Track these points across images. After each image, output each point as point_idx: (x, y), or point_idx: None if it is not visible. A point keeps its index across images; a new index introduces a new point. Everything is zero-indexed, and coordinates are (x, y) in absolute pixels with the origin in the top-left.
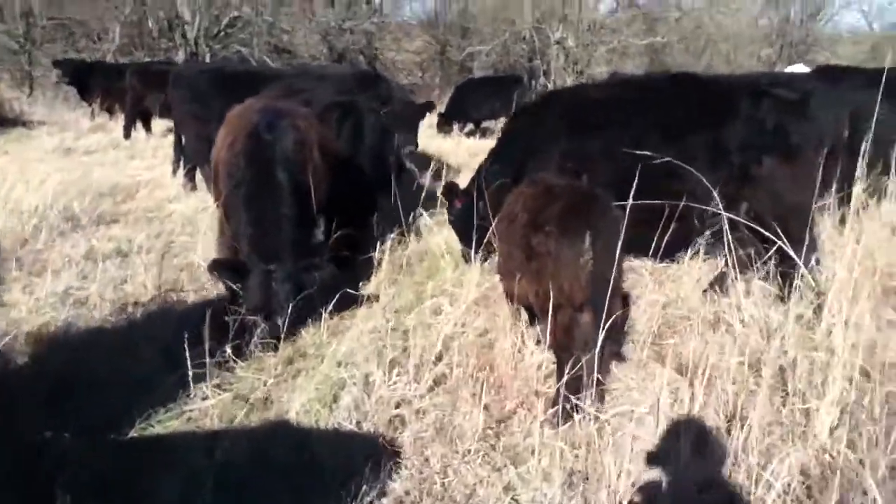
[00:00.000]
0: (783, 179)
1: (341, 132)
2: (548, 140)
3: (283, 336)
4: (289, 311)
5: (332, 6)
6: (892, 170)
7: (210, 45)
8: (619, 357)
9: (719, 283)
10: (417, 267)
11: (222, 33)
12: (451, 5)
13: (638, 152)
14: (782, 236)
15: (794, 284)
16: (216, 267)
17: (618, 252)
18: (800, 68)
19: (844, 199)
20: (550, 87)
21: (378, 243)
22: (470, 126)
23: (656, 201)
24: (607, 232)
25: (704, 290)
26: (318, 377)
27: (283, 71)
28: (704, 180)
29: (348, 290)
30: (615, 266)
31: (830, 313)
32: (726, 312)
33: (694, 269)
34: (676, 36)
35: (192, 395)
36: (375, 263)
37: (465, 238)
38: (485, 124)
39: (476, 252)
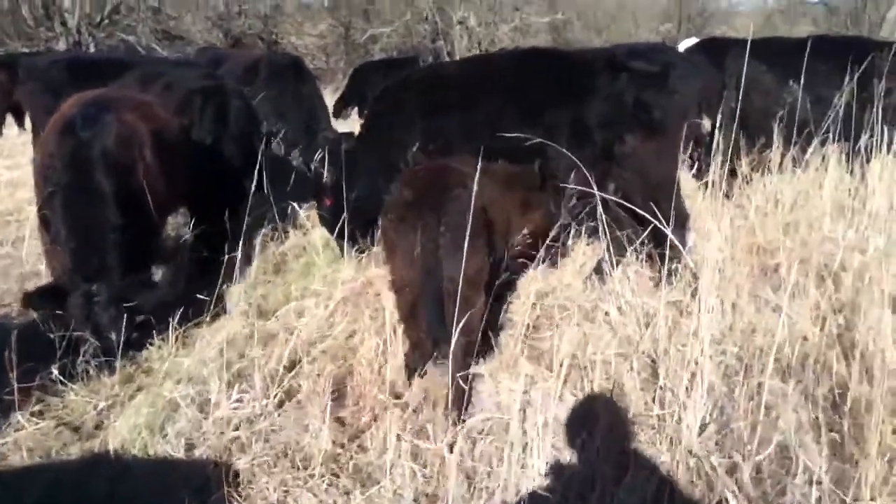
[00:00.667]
0: (647, 156)
1: (203, 119)
2: (406, 123)
3: (119, 353)
4: (122, 327)
5: None
6: (776, 142)
7: (93, 34)
8: (484, 355)
9: (599, 269)
10: (294, 264)
11: (106, 20)
12: None
13: (497, 133)
14: (656, 215)
15: (667, 267)
16: (30, 301)
17: (465, 241)
18: (692, 42)
19: (727, 174)
20: None
21: (251, 240)
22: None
23: None
24: (452, 221)
25: (586, 278)
26: (150, 398)
27: (149, 59)
28: (573, 157)
29: (206, 294)
30: (464, 256)
31: (704, 297)
32: (604, 301)
33: (577, 254)
34: (575, 12)
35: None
36: (244, 262)
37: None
38: None
39: (350, 245)
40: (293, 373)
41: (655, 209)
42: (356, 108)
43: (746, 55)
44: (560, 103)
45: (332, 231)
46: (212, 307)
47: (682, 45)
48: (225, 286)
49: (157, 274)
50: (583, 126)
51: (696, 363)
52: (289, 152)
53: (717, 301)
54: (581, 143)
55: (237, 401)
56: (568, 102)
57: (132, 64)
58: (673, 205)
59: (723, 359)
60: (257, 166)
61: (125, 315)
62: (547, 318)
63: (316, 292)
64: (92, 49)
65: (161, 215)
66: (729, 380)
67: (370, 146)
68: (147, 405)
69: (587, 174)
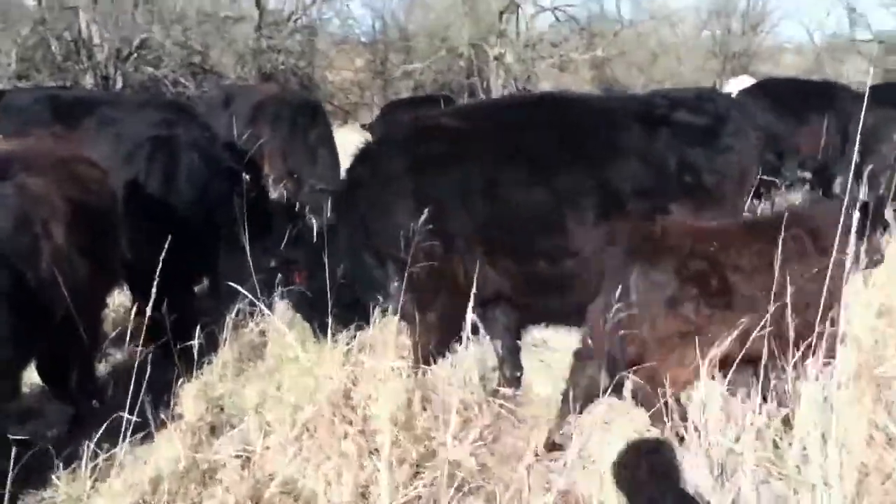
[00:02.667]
0: None
1: (151, 175)
2: (394, 186)
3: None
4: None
5: (259, 28)
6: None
7: (120, 68)
8: None
9: None
10: (267, 352)
11: (133, 55)
12: (389, 24)
13: (500, 199)
14: None
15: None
16: None
17: None
18: (744, 81)
19: None
20: None
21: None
22: None
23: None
24: None
25: None
26: None
27: (118, 99)
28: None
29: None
30: None
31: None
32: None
33: None
34: (617, 50)
35: None
36: (202, 350)
37: (319, 315)
38: None
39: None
40: None
41: None
42: None
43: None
44: (582, 163)
45: (308, 316)
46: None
47: (732, 86)
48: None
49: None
50: (612, 193)
51: None
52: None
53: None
54: (610, 214)
55: None
56: (592, 162)
57: (101, 104)
58: None
59: None
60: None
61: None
62: None
63: (282, 401)
64: (119, 84)
65: (85, 308)
66: None
67: (349, 215)
68: None
69: None
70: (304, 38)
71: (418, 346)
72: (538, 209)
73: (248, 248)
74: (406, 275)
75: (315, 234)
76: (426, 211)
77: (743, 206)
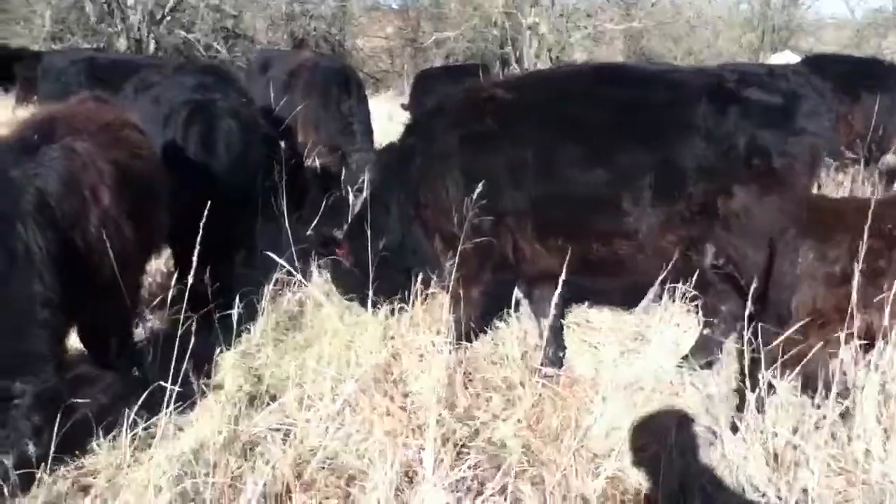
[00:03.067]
0: (762, 216)
1: (188, 141)
2: (441, 160)
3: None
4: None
5: None
6: None
7: (153, 31)
8: None
9: (701, 351)
10: (305, 322)
11: (167, 17)
12: None
13: (555, 177)
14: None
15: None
16: None
17: None
18: (787, 56)
19: None
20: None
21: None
22: None
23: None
24: None
25: (681, 361)
26: None
27: (162, 61)
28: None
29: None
30: None
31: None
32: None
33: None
34: (653, 21)
35: None
36: (240, 320)
37: (359, 287)
38: None
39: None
40: None
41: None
42: None
43: None
44: (643, 140)
45: (346, 288)
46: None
47: (774, 62)
48: (216, 352)
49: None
50: (675, 172)
51: None
52: (318, 175)
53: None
54: (671, 194)
55: None
56: (654, 139)
57: (140, 68)
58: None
59: None
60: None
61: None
62: None
63: (322, 374)
64: (152, 47)
65: (128, 274)
66: None
67: (399, 187)
68: None
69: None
70: (336, 4)
71: (461, 322)
72: (594, 187)
73: (285, 216)
74: (455, 249)
75: (351, 204)
76: (478, 186)
77: (811, 191)
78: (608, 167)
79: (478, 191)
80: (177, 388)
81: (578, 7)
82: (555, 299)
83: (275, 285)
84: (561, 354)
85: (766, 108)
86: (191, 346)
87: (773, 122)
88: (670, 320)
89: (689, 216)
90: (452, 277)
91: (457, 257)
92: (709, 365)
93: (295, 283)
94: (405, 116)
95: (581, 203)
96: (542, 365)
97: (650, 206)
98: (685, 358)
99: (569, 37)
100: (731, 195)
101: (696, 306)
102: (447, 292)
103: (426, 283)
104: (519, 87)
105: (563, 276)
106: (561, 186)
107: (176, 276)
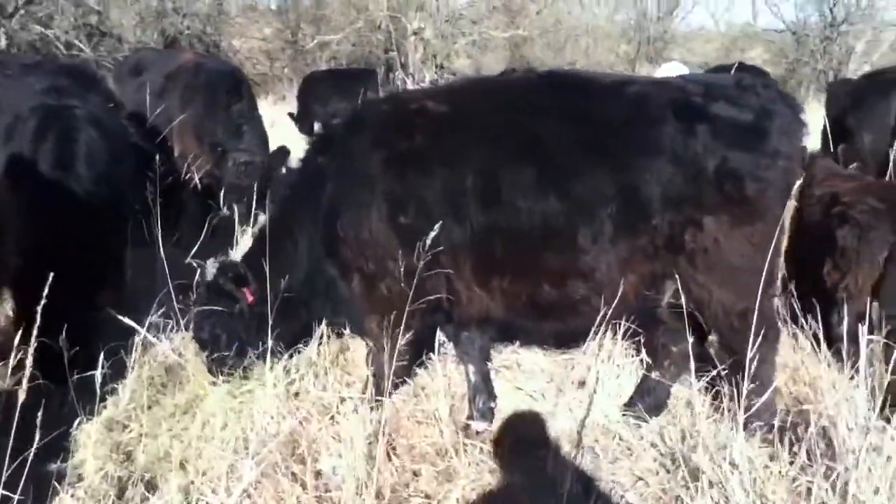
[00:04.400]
0: (733, 250)
1: (38, 155)
2: (357, 183)
3: None
4: None
5: None
6: None
7: (4, 25)
8: None
9: (646, 395)
10: (187, 373)
11: (20, 11)
12: None
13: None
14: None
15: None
16: None
17: None
18: (676, 67)
19: None
20: (408, 81)
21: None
22: (318, 126)
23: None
24: None
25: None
26: None
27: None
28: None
29: None
30: None
31: None
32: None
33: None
34: (538, 30)
35: None
36: (105, 380)
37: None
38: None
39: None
40: None
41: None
42: (318, 125)
43: None
44: (603, 163)
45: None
46: None
47: (664, 72)
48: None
49: None
50: (638, 200)
51: None
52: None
53: None
54: (634, 226)
55: None
56: (615, 162)
57: None
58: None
59: None
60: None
61: None
62: None
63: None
64: (3, 43)
65: None
66: None
67: (307, 216)
68: None
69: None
70: (211, 2)
71: (382, 375)
72: (546, 218)
73: (160, 244)
74: (378, 291)
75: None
76: (407, 217)
77: (782, 217)
78: (562, 195)
79: (406, 223)
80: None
81: (464, 14)
82: (480, 341)
83: (148, 331)
84: (492, 405)
85: (736, 127)
86: (39, 419)
87: (745, 142)
88: (609, 360)
89: (652, 252)
90: (374, 324)
91: (380, 299)
92: (657, 411)
93: (172, 328)
94: (290, 124)
95: (530, 237)
96: (470, 418)
97: (610, 240)
98: (629, 403)
99: (454, 43)
100: (700, 227)
101: (638, 345)
102: (366, 341)
103: (336, 330)
104: (454, 99)
105: (504, 320)
106: (506, 218)
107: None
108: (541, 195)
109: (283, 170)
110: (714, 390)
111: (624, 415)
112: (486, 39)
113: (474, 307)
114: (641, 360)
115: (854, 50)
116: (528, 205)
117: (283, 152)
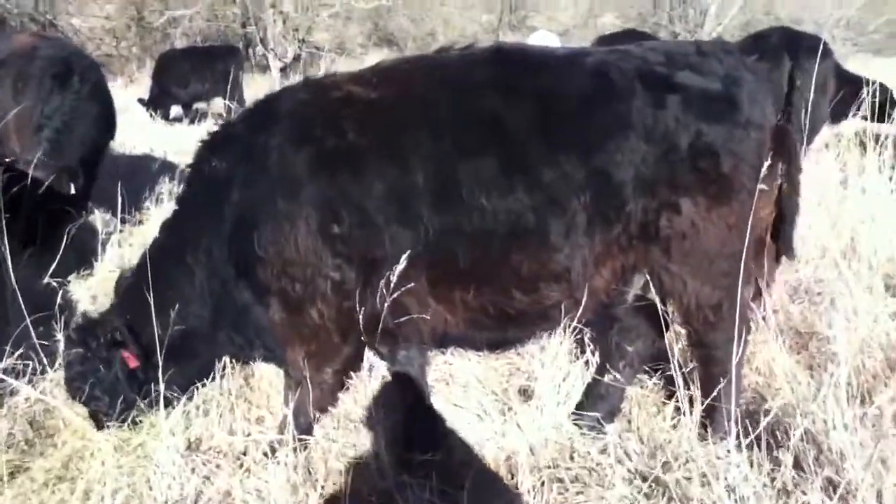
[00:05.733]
0: (711, 235)
1: None
2: (276, 189)
3: None
4: None
5: None
6: None
7: None
8: None
9: (596, 400)
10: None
11: None
12: None
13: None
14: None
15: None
16: None
17: None
18: (545, 36)
19: None
20: (270, 57)
21: None
22: (177, 110)
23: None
24: None
25: (576, 411)
26: None
27: None
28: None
29: None
30: None
31: None
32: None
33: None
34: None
35: None
36: None
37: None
38: (197, 106)
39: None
40: None
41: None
42: (177, 109)
43: None
44: (570, 146)
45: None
46: None
47: (535, 41)
48: None
49: None
50: (610, 186)
51: None
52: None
53: None
54: (607, 215)
55: None
56: (583, 144)
57: None
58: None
59: None
60: None
61: None
62: None
63: None
64: None
65: None
66: None
67: (207, 234)
68: None
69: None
70: None
71: (306, 413)
72: (511, 216)
73: (9, 263)
74: (305, 316)
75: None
76: (343, 226)
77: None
78: (529, 186)
79: (340, 232)
80: None
81: None
82: (420, 359)
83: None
84: (436, 430)
85: (706, 97)
86: None
87: (717, 113)
88: (552, 364)
89: (626, 243)
90: (298, 356)
91: (306, 328)
92: (610, 417)
93: (36, 374)
94: (142, 111)
95: (495, 239)
96: (412, 450)
97: (584, 234)
98: (579, 409)
99: (316, 15)
100: (677, 210)
101: (582, 344)
102: (288, 374)
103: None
104: (384, 83)
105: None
106: (465, 219)
107: None
108: (505, 189)
109: None
110: (669, 390)
111: (576, 424)
112: (350, 11)
113: (428, 324)
114: (587, 362)
115: (709, 13)
116: (490, 201)
117: None
